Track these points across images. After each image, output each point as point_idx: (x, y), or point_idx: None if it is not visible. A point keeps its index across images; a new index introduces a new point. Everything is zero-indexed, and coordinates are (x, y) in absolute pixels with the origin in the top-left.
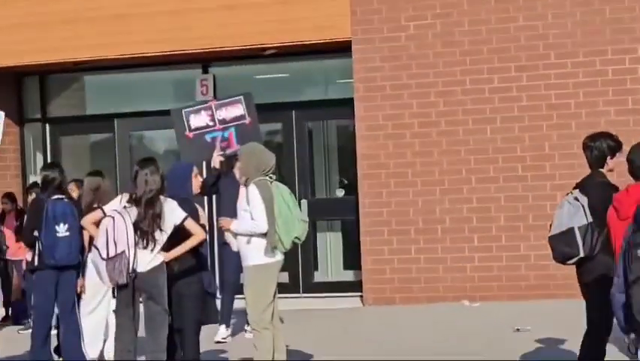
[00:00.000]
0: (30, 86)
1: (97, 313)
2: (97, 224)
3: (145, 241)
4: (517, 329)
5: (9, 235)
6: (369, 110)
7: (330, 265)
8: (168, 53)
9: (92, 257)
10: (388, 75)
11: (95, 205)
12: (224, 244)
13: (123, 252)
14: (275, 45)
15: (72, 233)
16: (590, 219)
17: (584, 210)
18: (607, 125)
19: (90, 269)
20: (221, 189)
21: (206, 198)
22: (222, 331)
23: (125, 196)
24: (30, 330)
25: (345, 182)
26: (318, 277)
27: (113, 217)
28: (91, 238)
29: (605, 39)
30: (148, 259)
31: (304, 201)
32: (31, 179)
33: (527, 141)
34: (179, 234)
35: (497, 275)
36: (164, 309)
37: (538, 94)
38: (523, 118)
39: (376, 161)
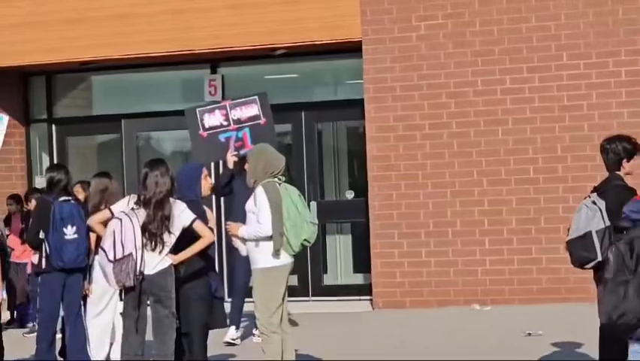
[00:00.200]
0: (36, 86)
1: (103, 316)
2: (104, 224)
3: (153, 243)
4: (529, 334)
5: (14, 238)
6: (380, 111)
7: (340, 268)
8: (174, 53)
9: (98, 259)
10: (399, 76)
11: (103, 207)
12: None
13: (130, 254)
14: (284, 45)
15: (80, 235)
16: (608, 223)
17: (602, 213)
18: (620, 127)
19: (97, 271)
20: (235, 190)
21: (214, 200)
22: (232, 332)
23: (133, 198)
24: (35, 333)
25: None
26: (328, 280)
27: (121, 219)
28: (97, 240)
29: (618, 40)
30: (156, 262)
31: (313, 203)
32: (37, 180)
33: (539, 143)
34: (187, 236)
35: (509, 279)
36: (172, 312)
37: (551, 95)
38: (535, 119)
39: (386, 163)
